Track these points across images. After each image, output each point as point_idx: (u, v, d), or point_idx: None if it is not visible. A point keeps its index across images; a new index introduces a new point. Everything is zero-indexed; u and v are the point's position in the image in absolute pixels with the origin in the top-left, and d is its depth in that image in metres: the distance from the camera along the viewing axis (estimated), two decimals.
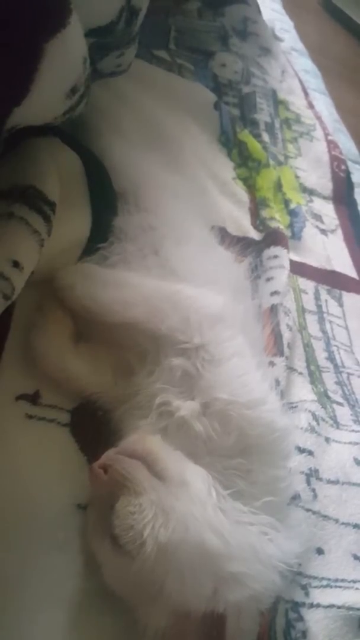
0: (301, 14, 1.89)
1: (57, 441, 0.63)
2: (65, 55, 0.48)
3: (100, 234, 0.73)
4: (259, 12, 1.47)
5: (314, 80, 1.54)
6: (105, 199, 0.75)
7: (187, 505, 0.52)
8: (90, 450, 0.62)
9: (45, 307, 0.67)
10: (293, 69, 1.42)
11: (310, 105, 1.35)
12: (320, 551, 0.67)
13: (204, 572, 0.50)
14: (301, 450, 0.72)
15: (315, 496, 0.70)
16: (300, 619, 0.61)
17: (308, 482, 0.70)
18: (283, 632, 0.59)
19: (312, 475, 0.71)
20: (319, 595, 0.63)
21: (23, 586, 0.54)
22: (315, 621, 0.61)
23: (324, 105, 1.45)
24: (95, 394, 0.65)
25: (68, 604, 0.55)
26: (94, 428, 0.64)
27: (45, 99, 0.50)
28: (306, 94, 1.38)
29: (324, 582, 0.65)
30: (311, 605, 0.62)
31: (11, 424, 0.62)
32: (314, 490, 0.70)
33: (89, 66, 0.55)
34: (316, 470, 0.72)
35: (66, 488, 0.60)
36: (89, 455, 0.62)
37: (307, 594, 0.63)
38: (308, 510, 0.68)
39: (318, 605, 0.62)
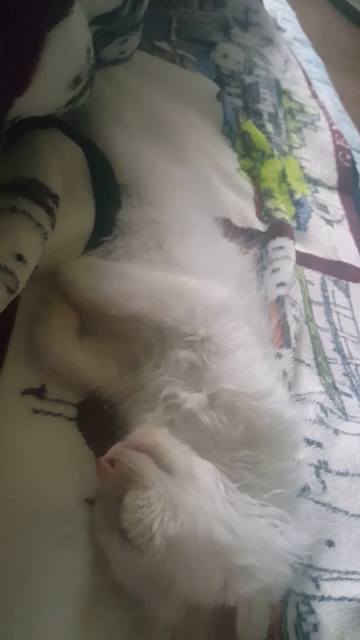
0: (303, 4, 1.87)
1: (64, 435, 0.62)
2: (68, 44, 0.47)
3: (104, 227, 0.72)
4: (261, 2, 1.45)
5: (317, 70, 1.52)
6: (108, 192, 0.74)
7: (195, 498, 0.51)
8: (97, 444, 0.62)
9: (50, 301, 0.67)
10: (296, 59, 1.41)
11: (314, 95, 1.34)
12: (330, 543, 0.66)
13: (213, 565, 0.49)
14: (310, 442, 0.71)
15: (324, 488, 0.69)
16: (312, 611, 0.60)
17: (317, 474, 0.69)
18: (294, 625, 0.59)
19: (321, 467, 0.71)
20: (330, 588, 0.63)
21: (31, 581, 0.53)
22: (326, 614, 0.61)
23: (328, 95, 1.43)
24: (101, 388, 0.64)
25: (76, 599, 0.54)
26: (101, 422, 0.64)
27: (47, 90, 0.49)
28: (309, 83, 1.37)
29: (335, 575, 0.64)
30: (322, 598, 0.62)
31: (17, 419, 0.61)
32: (323, 482, 0.69)
33: (93, 57, 0.54)
34: (325, 462, 0.71)
35: (73, 482, 0.60)
36: (96, 450, 0.62)
37: (317, 587, 0.62)
38: (318, 502, 0.68)
39: (329, 598, 0.62)
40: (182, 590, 0.49)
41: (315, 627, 0.59)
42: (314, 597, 0.61)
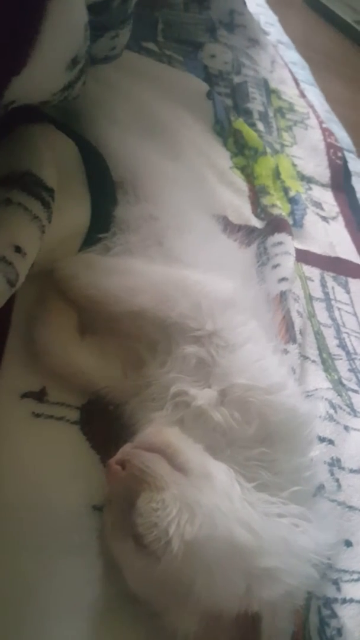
0: (284, 9, 1.88)
1: (67, 440, 0.59)
2: (68, 17, 0.44)
3: (101, 224, 0.70)
4: (244, 4, 1.45)
5: (302, 72, 1.52)
6: (104, 187, 0.72)
7: (212, 498, 0.48)
8: (103, 448, 0.59)
9: (47, 299, 0.64)
10: (282, 60, 1.41)
11: (302, 95, 1.33)
12: (348, 543, 0.64)
13: (234, 569, 0.46)
14: (321, 440, 0.69)
15: (339, 486, 0.67)
16: (334, 615, 0.57)
17: (331, 472, 0.67)
18: (317, 631, 0.56)
19: (334, 464, 0.68)
20: (351, 590, 0.60)
21: (39, 595, 0.50)
22: (349, 617, 0.58)
23: (314, 96, 1.43)
24: (105, 388, 0.61)
25: (88, 611, 0.51)
26: (106, 424, 0.61)
27: (46, 69, 0.46)
28: (297, 83, 1.37)
29: (355, 576, 0.61)
30: (344, 601, 0.59)
31: (17, 424, 0.58)
32: (337, 480, 0.67)
33: (89, 38, 0.52)
34: (338, 460, 0.69)
35: (79, 489, 0.56)
36: (102, 454, 0.59)
37: (338, 589, 0.60)
38: (333, 501, 0.65)
39: (351, 600, 0.59)
40: (202, 597, 0.46)
41: (339, 631, 0.56)
42: (335, 600, 0.59)
